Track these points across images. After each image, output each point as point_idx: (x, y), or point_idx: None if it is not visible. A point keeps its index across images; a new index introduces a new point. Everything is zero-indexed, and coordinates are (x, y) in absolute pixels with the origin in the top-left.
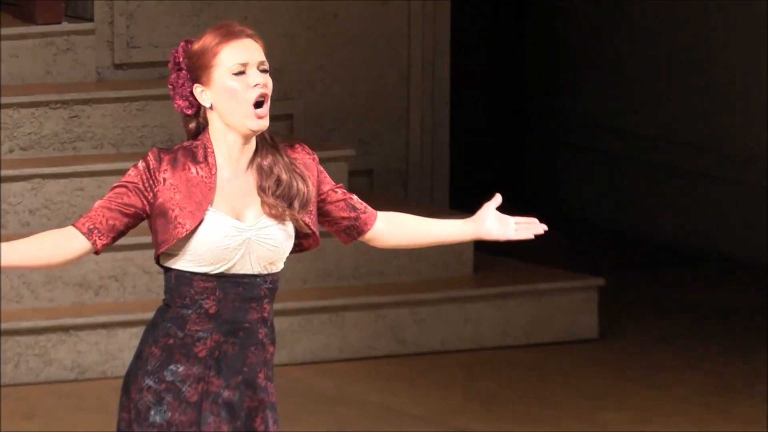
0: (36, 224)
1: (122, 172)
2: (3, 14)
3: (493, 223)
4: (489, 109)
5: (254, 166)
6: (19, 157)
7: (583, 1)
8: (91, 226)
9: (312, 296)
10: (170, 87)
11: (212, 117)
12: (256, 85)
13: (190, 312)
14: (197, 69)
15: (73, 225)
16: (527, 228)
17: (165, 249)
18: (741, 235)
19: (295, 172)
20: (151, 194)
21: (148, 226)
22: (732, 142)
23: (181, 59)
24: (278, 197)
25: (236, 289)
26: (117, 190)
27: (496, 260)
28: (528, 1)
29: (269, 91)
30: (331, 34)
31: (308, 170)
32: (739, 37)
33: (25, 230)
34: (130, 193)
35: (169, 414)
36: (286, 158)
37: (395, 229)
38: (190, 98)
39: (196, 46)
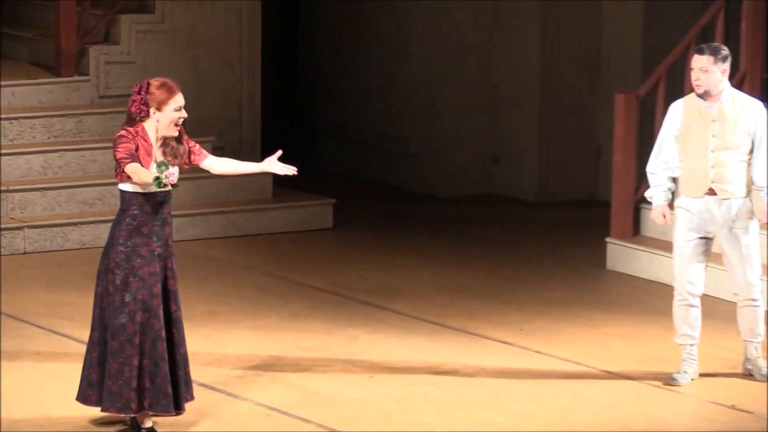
0: None
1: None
2: None
3: (274, 164)
4: (278, 104)
5: (162, 142)
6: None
7: (334, 30)
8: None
9: (196, 208)
10: (132, 101)
11: (152, 123)
12: (182, 117)
13: (138, 212)
14: (156, 101)
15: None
16: (290, 168)
17: (126, 178)
18: (431, 181)
19: (179, 142)
20: (135, 146)
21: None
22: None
23: (143, 90)
24: (170, 155)
25: (156, 199)
26: (125, 144)
27: (283, 191)
28: (302, 32)
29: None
30: (200, 83)
31: (185, 137)
32: (421, 66)
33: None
34: (132, 144)
35: (131, 262)
36: (176, 136)
37: (219, 165)
38: (145, 110)
39: (157, 90)
